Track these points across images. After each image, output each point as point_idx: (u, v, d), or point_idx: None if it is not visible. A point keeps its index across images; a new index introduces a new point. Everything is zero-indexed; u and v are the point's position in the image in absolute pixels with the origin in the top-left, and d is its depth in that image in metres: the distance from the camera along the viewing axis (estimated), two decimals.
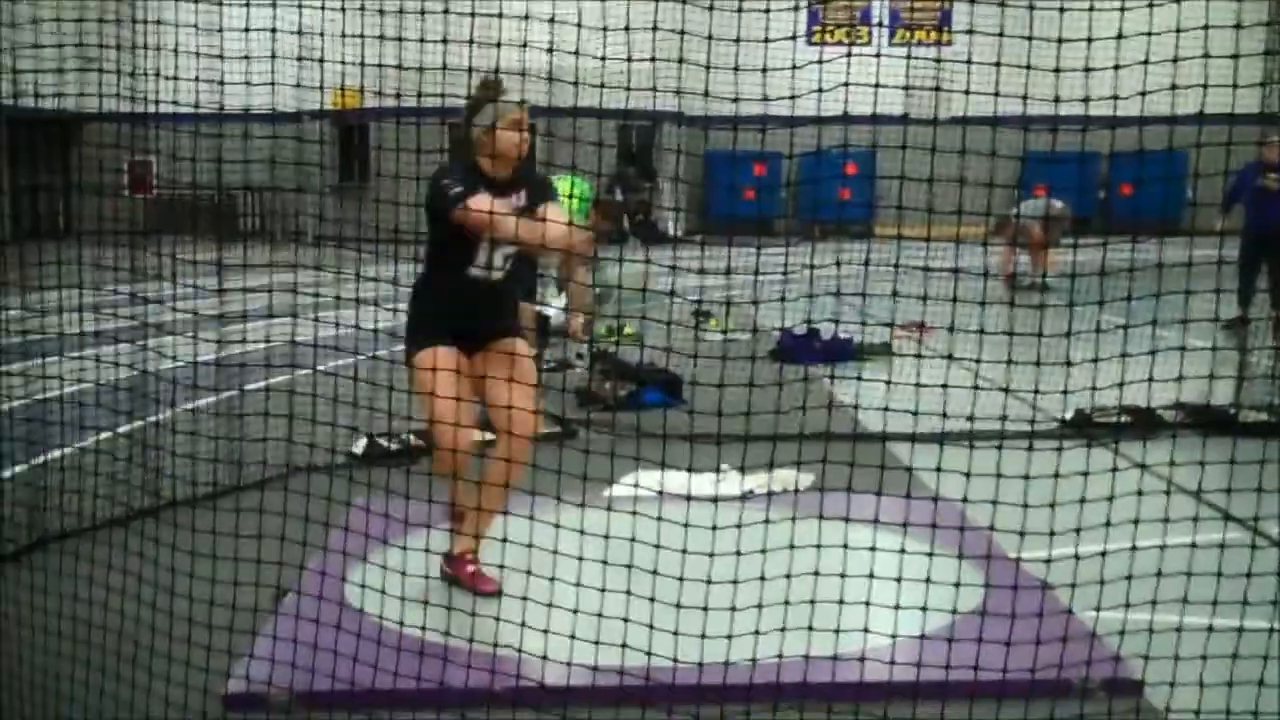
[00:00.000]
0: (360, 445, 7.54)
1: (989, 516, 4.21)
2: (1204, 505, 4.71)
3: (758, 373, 4.83)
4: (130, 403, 5.39)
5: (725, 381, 4.52)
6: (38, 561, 5.21)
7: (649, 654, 4.05)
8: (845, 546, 4.25)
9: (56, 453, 6.36)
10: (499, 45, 4.09)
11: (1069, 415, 8.53)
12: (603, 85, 3.88)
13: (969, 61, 4.48)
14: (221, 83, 4.67)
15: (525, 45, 4.01)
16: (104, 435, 5.68)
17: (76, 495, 6.01)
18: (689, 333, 11.65)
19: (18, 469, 5.98)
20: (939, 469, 4.21)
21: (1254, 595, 4.10)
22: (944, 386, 4.31)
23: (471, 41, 4.07)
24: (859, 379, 4.67)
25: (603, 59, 3.94)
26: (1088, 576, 4.18)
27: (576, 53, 3.93)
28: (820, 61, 4.38)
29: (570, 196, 11.46)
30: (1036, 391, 4.47)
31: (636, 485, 4.51)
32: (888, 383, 4.21)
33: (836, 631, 4.18)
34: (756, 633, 4.15)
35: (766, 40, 4.28)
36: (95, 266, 5.11)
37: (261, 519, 4.43)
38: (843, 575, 4.23)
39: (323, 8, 4.35)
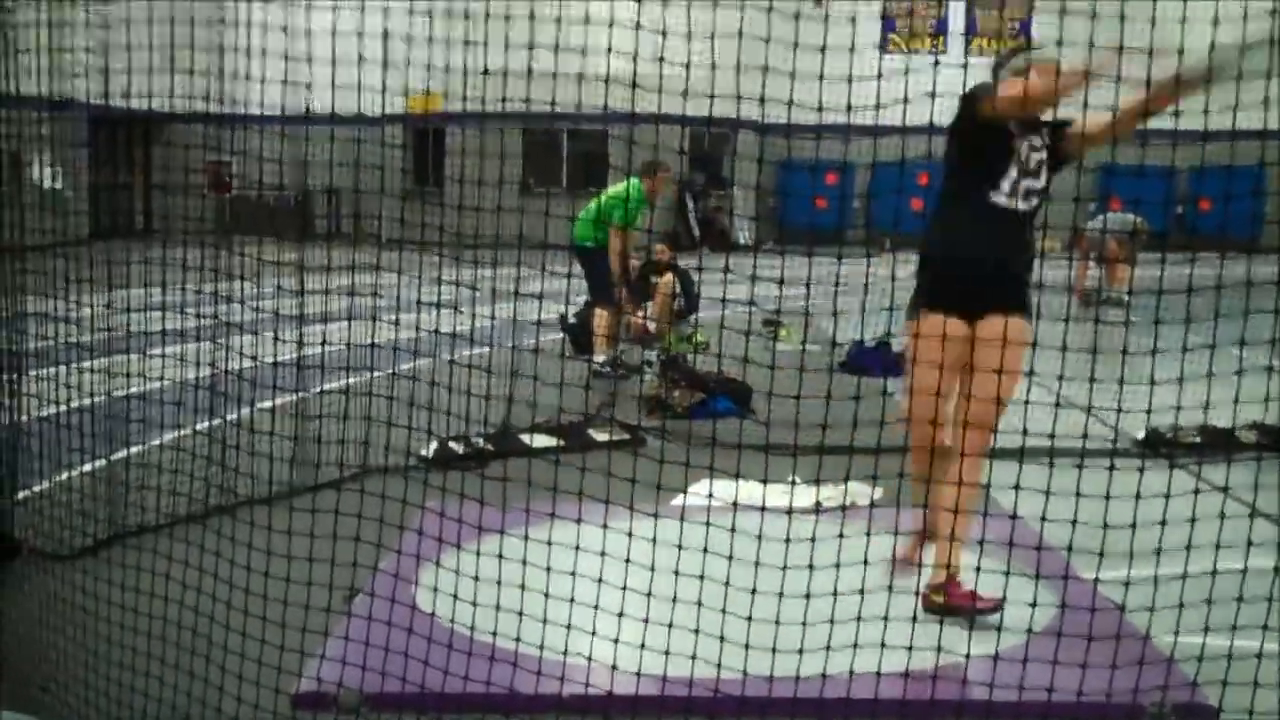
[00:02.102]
0: (431, 448, 7.58)
1: (1066, 536, 4.16)
2: None
3: (828, 385, 4.80)
4: (208, 401, 5.45)
5: (795, 392, 4.49)
6: (114, 556, 5.28)
7: (718, 665, 4.04)
8: (920, 563, 4.22)
9: (135, 449, 6.45)
10: (584, 52, 4.10)
11: (1142, 435, 8.40)
12: (686, 93, 3.88)
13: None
14: (307, 86, 4.72)
15: (610, 50, 4.01)
16: (182, 433, 5.74)
17: (154, 491, 6.09)
18: (759, 343, 11.63)
19: (96, 464, 6.06)
20: (1017, 487, 4.17)
21: None
22: (1025, 403, 4.26)
23: (556, 48, 4.08)
24: (937, 393, 4.63)
25: (686, 66, 3.94)
26: (1166, 600, 4.12)
27: (661, 59, 3.93)
28: (880, 77, 4.34)
29: (620, 199, 11.53)
30: (1119, 410, 4.41)
31: (710, 496, 4.49)
32: (966, 397, 4.17)
33: (909, 648, 4.14)
34: (828, 647, 4.12)
35: (821, 47, 4.25)
36: (182, 267, 5.17)
37: (336, 519, 4.46)
38: (916, 592, 4.19)
39: (410, 11, 4.37)
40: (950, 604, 4.85)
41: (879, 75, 4.38)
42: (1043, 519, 4.20)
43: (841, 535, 4.19)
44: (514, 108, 4.94)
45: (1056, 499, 4.20)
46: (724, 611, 4.08)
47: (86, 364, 5.56)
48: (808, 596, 4.13)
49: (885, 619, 4.12)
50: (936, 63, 4.69)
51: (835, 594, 4.13)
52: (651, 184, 11.53)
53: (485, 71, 4.61)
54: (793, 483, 5.62)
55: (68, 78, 5.41)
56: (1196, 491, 4.24)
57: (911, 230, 5.29)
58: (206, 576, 4.51)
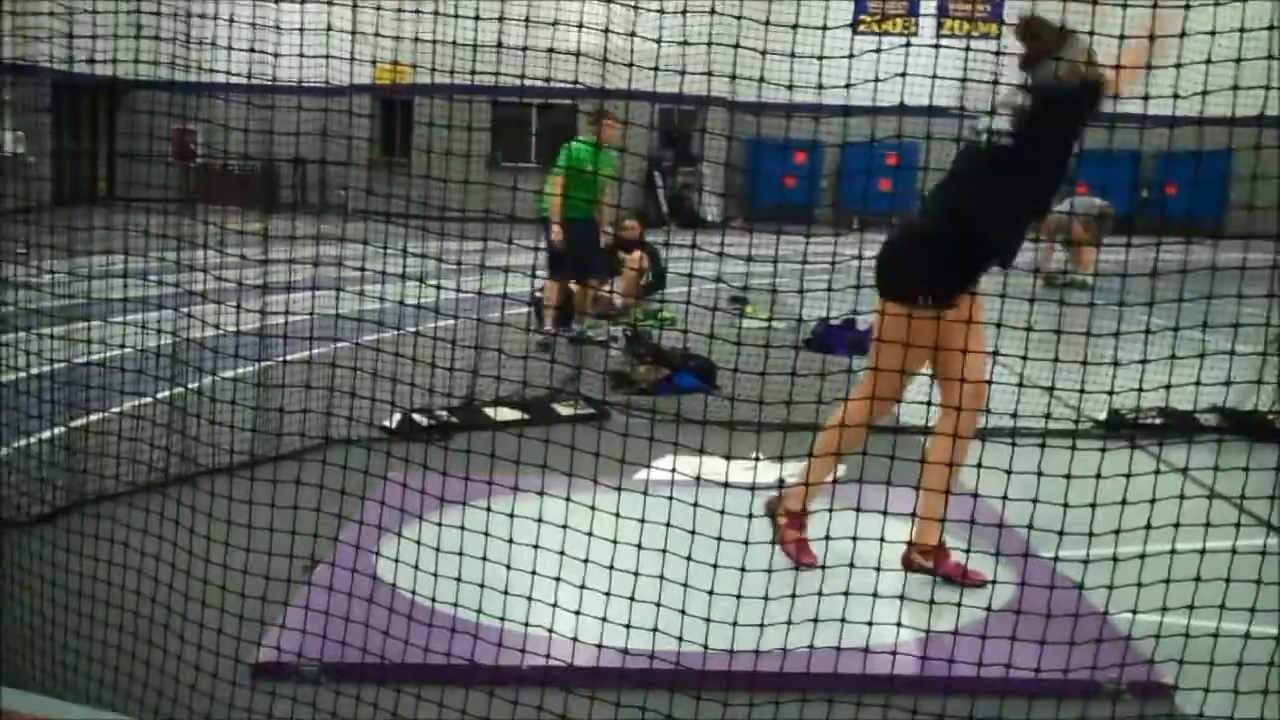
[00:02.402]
0: (394, 420, 7.56)
1: (1027, 515, 4.18)
2: (1245, 512, 4.66)
3: (793, 362, 4.80)
4: (169, 369, 5.40)
5: (760, 369, 4.49)
6: (73, 524, 5.24)
7: (680, 639, 4.05)
8: (881, 540, 4.23)
9: (95, 416, 6.40)
10: (555, 24, 4.08)
11: (1103, 416, 8.45)
12: (656, 69, 3.87)
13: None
14: (276, 55, 4.67)
15: (581, 25, 3.99)
16: (143, 401, 5.70)
17: (114, 459, 6.05)
18: (726, 319, 11.61)
19: (55, 431, 6.01)
20: (979, 465, 4.19)
21: None
22: (987, 383, 4.27)
23: (527, 21, 4.06)
24: (901, 371, 4.64)
25: (658, 41, 3.93)
26: (1125, 579, 4.15)
27: (633, 34, 3.91)
28: (851, 55, 4.33)
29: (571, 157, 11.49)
30: (1081, 391, 4.43)
31: (673, 470, 4.49)
32: (931, 377, 4.18)
33: (869, 624, 4.16)
34: (789, 622, 4.13)
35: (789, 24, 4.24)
36: (145, 234, 5.12)
37: (297, 490, 4.44)
38: (877, 568, 4.21)
39: None
40: (940, 571, 4.94)
41: (850, 55, 4.37)
42: (1004, 497, 4.23)
43: (804, 511, 4.20)
44: (483, 81, 4.91)
45: (1018, 478, 4.22)
46: (686, 585, 4.09)
47: (47, 330, 5.51)
48: (769, 572, 4.14)
49: (846, 594, 4.14)
50: (908, 44, 4.69)
51: (797, 568, 4.14)
52: (598, 132, 11.42)
53: (454, 43, 4.58)
54: (756, 459, 5.62)
55: (31, 42, 5.34)
56: (1157, 473, 4.27)
57: (880, 209, 5.28)
58: (166, 545, 4.48)
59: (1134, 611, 4.31)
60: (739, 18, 4.18)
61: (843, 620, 4.11)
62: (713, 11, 3.86)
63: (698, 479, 4.33)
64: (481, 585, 4.19)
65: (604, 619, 4.11)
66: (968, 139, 5.17)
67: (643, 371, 9.75)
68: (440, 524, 4.34)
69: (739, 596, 4.08)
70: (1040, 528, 4.14)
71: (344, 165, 5.45)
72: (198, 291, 4.97)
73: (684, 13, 4.01)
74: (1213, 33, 4.04)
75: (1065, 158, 5.09)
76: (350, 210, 5.90)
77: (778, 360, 4.62)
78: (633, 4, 4.08)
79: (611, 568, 4.15)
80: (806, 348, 10.69)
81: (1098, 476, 4.09)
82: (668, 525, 4.13)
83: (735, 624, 4.06)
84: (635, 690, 4.15)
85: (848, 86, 4.20)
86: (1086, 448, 4.34)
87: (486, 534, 4.20)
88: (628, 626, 4.08)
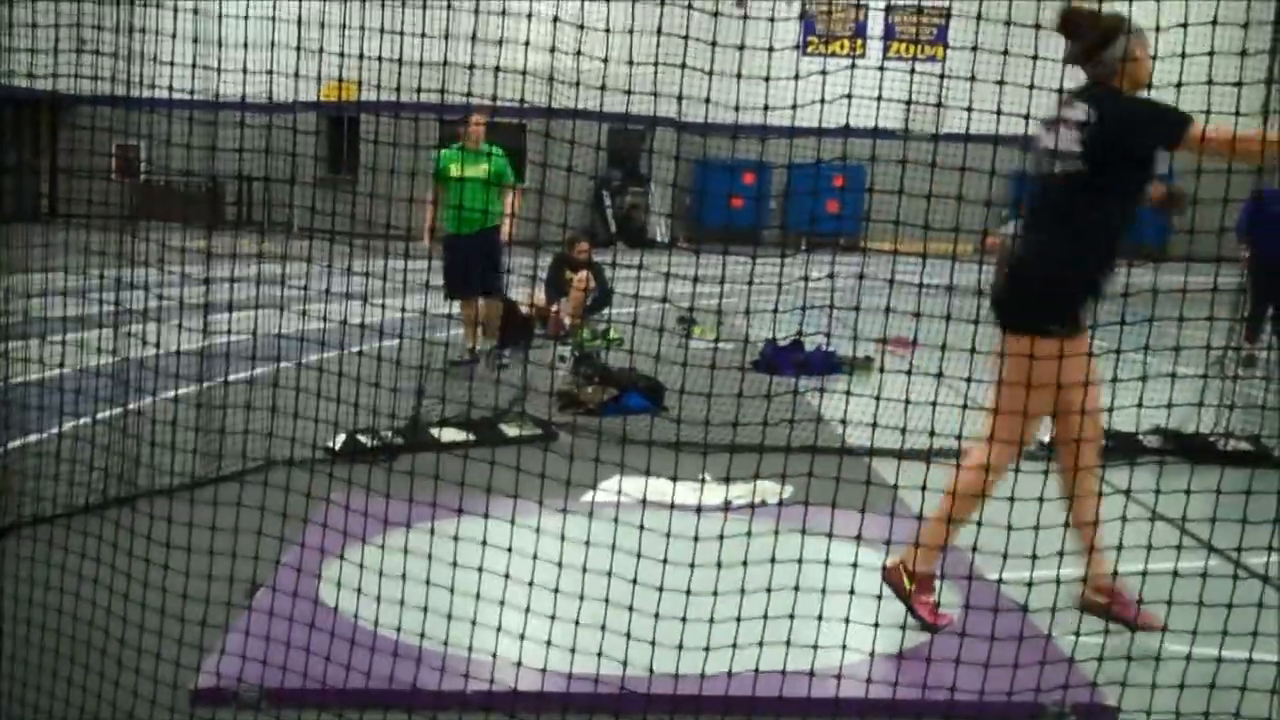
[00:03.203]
0: (338, 441, 7.49)
1: (971, 537, 4.20)
2: (1186, 534, 4.69)
3: (740, 383, 4.80)
4: (109, 389, 5.33)
5: (708, 390, 4.49)
6: (9, 547, 5.16)
7: (624, 663, 4.02)
8: (827, 562, 4.23)
9: (32, 437, 6.30)
10: (501, 42, 4.06)
11: (1047, 438, 8.50)
12: (603, 88, 3.86)
13: (972, 78, 4.46)
14: (218, 70, 4.63)
15: (528, 44, 3.98)
16: (81, 421, 5.62)
17: (51, 481, 5.96)
18: (673, 340, 11.58)
19: None
20: (924, 487, 4.19)
21: (1234, 626, 4.09)
22: (931, 404, 4.29)
23: (474, 38, 4.05)
24: (848, 393, 4.64)
25: (604, 61, 3.93)
26: (1068, 601, 4.17)
27: (579, 53, 3.91)
28: (797, 76, 4.35)
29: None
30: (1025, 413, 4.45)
31: (619, 492, 4.47)
32: (876, 398, 4.19)
33: (814, 647, 4.15)
34: (734, 645, 4.12)
35: (741, 47, 4.26)
36: (83, 251, 5.06)
37: (238, 512, 4.39)
38: (823, 591, 4.21)
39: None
40: (1112, 610, 4.86)
41: (796, 76, 4.39)
42: (949, 520, 4.24)
43: (750, 534, 4.19)
44: (429, 99, 4.89)
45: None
46: (631, 609, 4.06)
47: None
48: (715, 594, 4.13)
49: (791, 617, 4.13)
50: (853, 65, 4.71)
51: (743, 592, 4.13)
52: (465, 135, 11.17)
53: (401, 61, 4.56)
54: (703, 480, 5.62)
55: None
56: (1100, 495, 4.30)
57: (827, 231, 5.27)
58: (104, 569, 4.41)
59: (1077, 633, 4.33)
60: (686, 38, 4.19)
61: (788, 643, 4.10)
62: (660, 32, 3.86)
63: (643, 500, 4.31)
64: (425, 609, 4.15)
65: (548, 642, 4.08)
66: (1038, 166, 4.99)
67: (590, 392, 9.72)
68: (383, 546, 4.30)
69: (684, 619, 4.06)
70: (984, 550, 4.15)
71: (289, 183, 5.40)
72: (139, 310, 4.92)
73: (631, 32, 4.01)
74: (1154, 58, 4.09)
75: (1139, 184, 4.82)
76: (296, 228, 5.85)
77: (725, 381, 4.62)
78: (580, 24, 4.09)
79: (556, 590, 4.12)
80: (754, 369, 10.72)
81: (1041, 499, 4.11)
82: (613, 548, 4.11)
83: (681, 647, 4.04)
84: (579, 715, 4.13)
85: (794, 108, 4.21)
86: (1030, 470, 4.36)
87: (430, 557, 4.16)
88: (572, 650, 4.05)
